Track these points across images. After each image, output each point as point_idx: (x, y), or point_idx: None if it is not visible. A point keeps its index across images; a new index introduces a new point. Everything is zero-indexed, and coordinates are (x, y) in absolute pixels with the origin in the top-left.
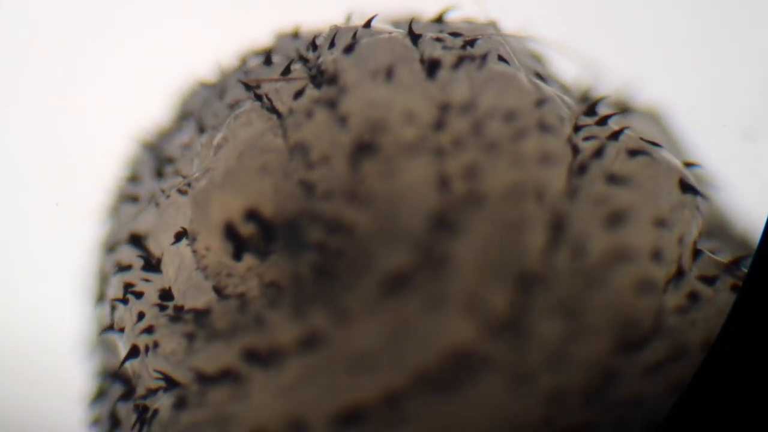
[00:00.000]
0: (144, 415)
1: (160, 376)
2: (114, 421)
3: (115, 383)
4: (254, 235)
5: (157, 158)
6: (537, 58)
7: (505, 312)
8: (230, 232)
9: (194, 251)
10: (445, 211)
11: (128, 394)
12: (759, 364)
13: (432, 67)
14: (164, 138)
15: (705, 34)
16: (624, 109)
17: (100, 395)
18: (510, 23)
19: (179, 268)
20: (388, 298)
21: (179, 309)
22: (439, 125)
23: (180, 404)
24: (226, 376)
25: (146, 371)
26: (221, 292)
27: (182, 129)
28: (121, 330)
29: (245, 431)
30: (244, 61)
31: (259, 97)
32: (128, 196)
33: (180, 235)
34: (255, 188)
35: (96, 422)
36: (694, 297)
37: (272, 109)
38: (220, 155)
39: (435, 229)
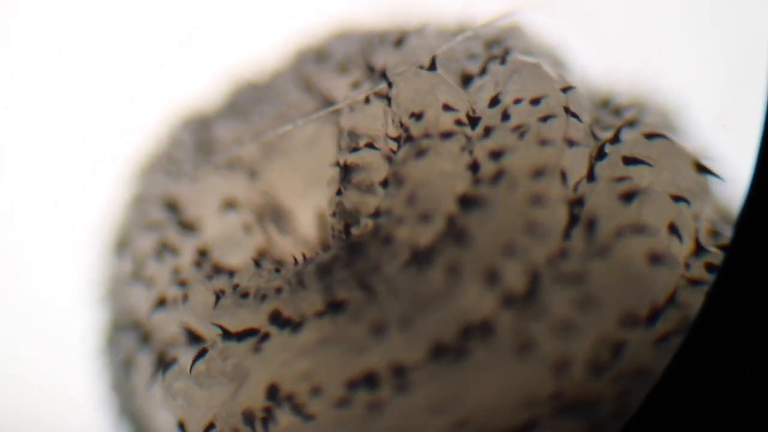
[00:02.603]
0: (163, 361)
1: (184, 329)
2: (127, 366)
3: (130, 332)
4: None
5: (201, 135)
6: (556, 56)
7: (522, 284)
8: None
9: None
10: (473, 190)
11: (145, 342)
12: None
13: (465, 80)
14: (209, 120)
15: (675, 20)
16: (637, 102)
17: (112, 343)
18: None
19: (219, 232)
20: (412, 271)
21: (213, 267)
22: (472, 119)
23: (199, 355)
24: (248, 333)
25: (171, 323)
26: (260, 256)
27: (229, 119)
28: (148, 282)
29: (261, 385)
30: (296, 60)
31: (310, 87)
32: (166, 161)
33: (225, 204)
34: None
35: (108, 367)
36: (711, 268)
37: (329, 101)
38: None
39: (463, 207)
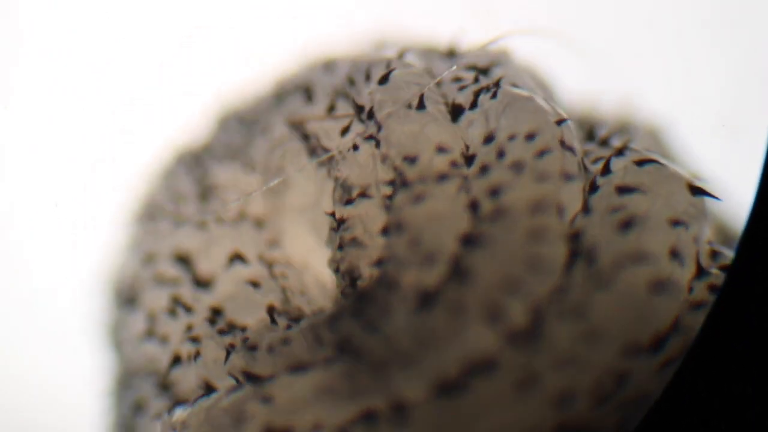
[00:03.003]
0: (176, 403)
1: (200, 381)
2: (137, 408)
3: (144, 379)
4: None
5: (199, 177)
6: (544, 85)
7: (524, 321)
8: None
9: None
10: (474, 229)
11: (162, 391)
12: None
13: (455, 111)
14: (203, 159)
15: (677, 29)
16: (623, 127)
17: (119, 389)
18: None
19: (231, 287)
20: (419, 313)
21: (227, 324)
22: (467, 157)
23: (205, 394)
24: (255, 378)
25: (188, 378)
26: (274, 311)
27: (224, 160)
28: (161, 339)
29: (261, 424)
30: (280, 94)
31: (305, 137)
32: (165, 211)
33: (234, 258)
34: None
35: (116, 409)
36: (714, 290)
37: (322, 148)
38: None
39: (465, 247)
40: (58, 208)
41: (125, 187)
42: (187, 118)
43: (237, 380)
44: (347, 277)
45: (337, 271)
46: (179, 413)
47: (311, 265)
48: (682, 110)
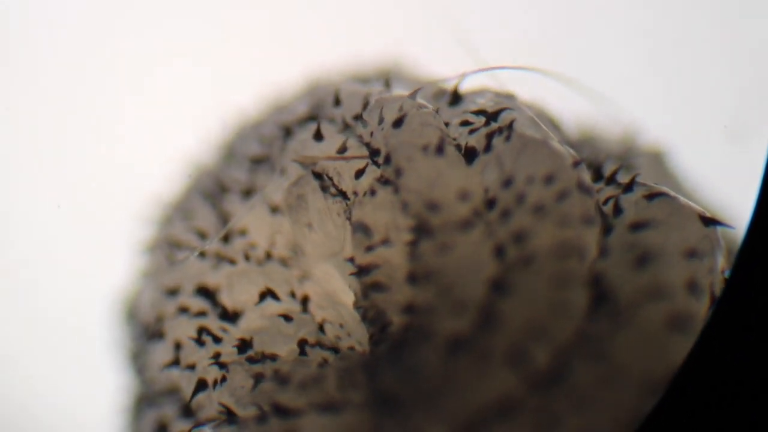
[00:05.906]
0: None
1: (223, 409)
2: (158, 428)
3: (159, 400)
4: None
5: (221, 219)
6: (554, 124)
7: (546, 365)
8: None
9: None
10: (500, 274)
11: (185, 417)
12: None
13: (468, 155)
14: (219, 196)
15: (680, 36)
16: (627, 159)
17: (140, 407)
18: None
19: (261, 321)
20: (446, 358)
21: (258, 354)
22: (487, 201)
23: (226, 422)
24: (283, 413)
25: (212, 404)
26: (305, 345)
27: (243, 199)
28: (187, 366)
29: None
30: (288, 127)
31: (318, 176)
32: (188, 246)
33: (264, 295)
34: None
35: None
36: None
37: (340, 192)
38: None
39: (492, 292)
40: (61, 210)
41: (136, 213)
42: (192, 144)
43: (262, 410)
44: (377, 323)
45: (364, 318)
46: None
47: (343, 302)
48: (684, 129)
